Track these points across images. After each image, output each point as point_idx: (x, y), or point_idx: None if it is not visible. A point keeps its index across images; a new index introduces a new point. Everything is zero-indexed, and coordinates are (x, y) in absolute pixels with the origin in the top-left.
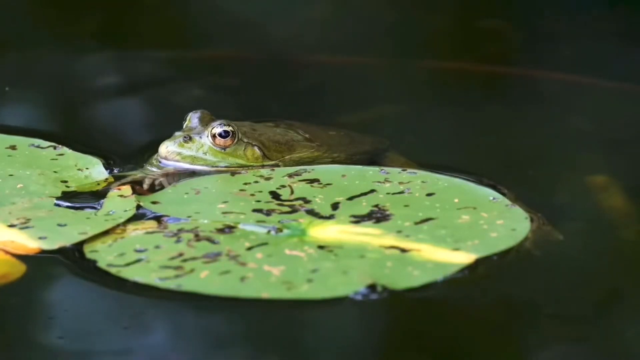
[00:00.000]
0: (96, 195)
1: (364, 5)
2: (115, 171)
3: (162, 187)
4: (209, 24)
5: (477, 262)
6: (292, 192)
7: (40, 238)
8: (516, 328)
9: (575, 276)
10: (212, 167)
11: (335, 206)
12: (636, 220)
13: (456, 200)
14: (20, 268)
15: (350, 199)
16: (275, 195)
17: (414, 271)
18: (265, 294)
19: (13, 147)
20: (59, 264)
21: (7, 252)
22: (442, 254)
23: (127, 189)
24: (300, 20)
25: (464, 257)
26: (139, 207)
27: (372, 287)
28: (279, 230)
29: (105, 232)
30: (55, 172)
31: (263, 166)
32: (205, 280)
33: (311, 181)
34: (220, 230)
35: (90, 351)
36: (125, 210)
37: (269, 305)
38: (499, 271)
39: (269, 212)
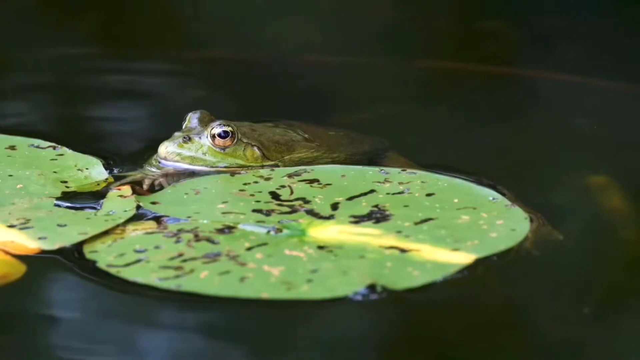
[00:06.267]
0: (96, 196)
1: (363, 5)
2: (115, 171)
3: (161, 187)
4: (209, 24)
5: (477, 263)
6: (291, 193)
7: (40, 238)
8: (516, 328)
9: (575, 276)
10: (212, 167)
11: (334, 206)
12: (636, 220)
13: (456, 201)
14: (20, 268)
15: (350, 199)
16: (275, 195)
17: (413, 271)
18: (265, 294)
19: (13, 147)
20: (59, 264)
21: (7, 253)
22: (441, 254)
23: (126, 189)
24: (300, 20)
25: (463, 258)
26: (138, 207)
27: (371, 287)
28: (279, 230)
29: (105, 233)
30: (55, 172)
31: (263, 166)
32: (205, 280)
33: (311, 181)
34: (220, 231)
35: (90, 351)
36: (125, 211)
37: (269, 306)
38: (499, 271)
39: (268, 213)
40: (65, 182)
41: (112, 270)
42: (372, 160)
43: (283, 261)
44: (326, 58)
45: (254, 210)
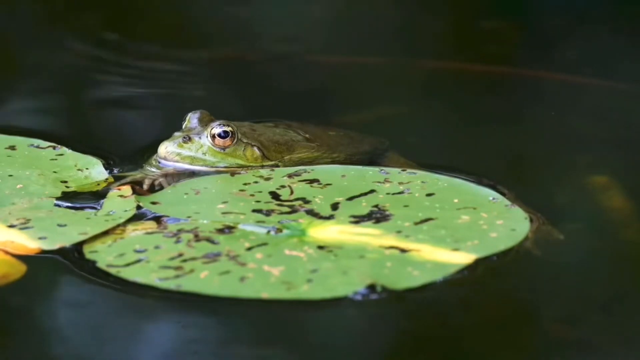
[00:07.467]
0: (96, 196)
1: (364, 5)
2: (115, 171)
3: (161, 187)
4: (210, 24)
5: (477, 262)
6: (291, 193)
7: (40, 238)
8: (516, 328)
9: (575, 276)
10: (212, 167)
11: (335, 206)
12: (636, 220)
13: (456, 201)
14: (20, 268)
15: (350, 199)
16: (275, 195)
17: (413, 271)
18: (264, 294)
19: (13, 147)
20: (59, 264)
21: (7, 253)
22: (441, 254)
23: (127, 189)
24: (300, 20)
25: (463, 258)
26: (138, 207)
27: (371, 287)
28: (279, 230)
29: (105, 233)
30: (55, 172)
31: (262, 166)
32: (205, 280)
33: (311, 181)
34: (220, 231)
35: (90, 351)
36: (125, 211)
37: (269, 305)
38: (499, 271)
39: (268, 213)
40: (65, 182)
41: (112, 270)
42: (372, 160)
43: (283, 261)
44: (327, 58)
45: (254, 210)
